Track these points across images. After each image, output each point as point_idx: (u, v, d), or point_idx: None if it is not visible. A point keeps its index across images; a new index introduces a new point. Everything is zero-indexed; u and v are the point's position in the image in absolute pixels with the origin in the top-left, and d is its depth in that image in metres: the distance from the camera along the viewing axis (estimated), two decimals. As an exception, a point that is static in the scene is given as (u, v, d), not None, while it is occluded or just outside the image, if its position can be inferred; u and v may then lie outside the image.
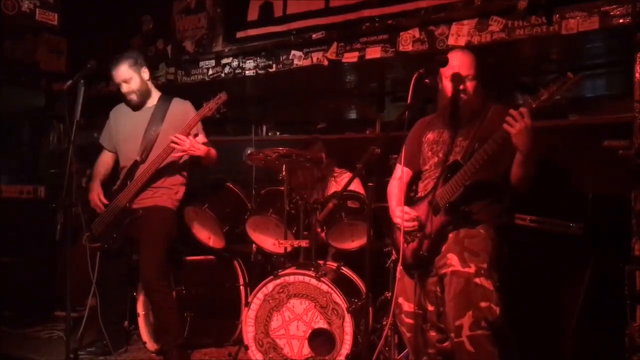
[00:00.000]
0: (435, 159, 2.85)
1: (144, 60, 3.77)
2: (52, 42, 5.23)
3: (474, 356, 2.49)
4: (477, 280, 2.52)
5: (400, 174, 3.01)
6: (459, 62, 2.77)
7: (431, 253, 2.69)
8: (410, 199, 2.94)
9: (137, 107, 3.76)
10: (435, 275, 2.71)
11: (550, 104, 2.36)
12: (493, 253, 2.63)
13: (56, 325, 4.48)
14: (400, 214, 2.76)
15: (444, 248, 2.66)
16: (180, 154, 3.50)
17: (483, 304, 2.50)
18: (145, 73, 3.74)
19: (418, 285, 2.77)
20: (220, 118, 3.48)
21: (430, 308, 2.78)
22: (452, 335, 2.55)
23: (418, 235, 2.74)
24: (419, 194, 2.90)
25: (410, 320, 2.81)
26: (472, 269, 2.53)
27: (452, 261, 2.58)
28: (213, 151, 3.68)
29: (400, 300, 2.85)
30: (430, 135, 2.94)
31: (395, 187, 3.02)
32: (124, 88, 3.69)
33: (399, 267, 2.84)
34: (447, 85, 2.78)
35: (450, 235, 2.67)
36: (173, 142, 3.43)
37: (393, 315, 3.02)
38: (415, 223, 2.76)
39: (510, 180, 2.63)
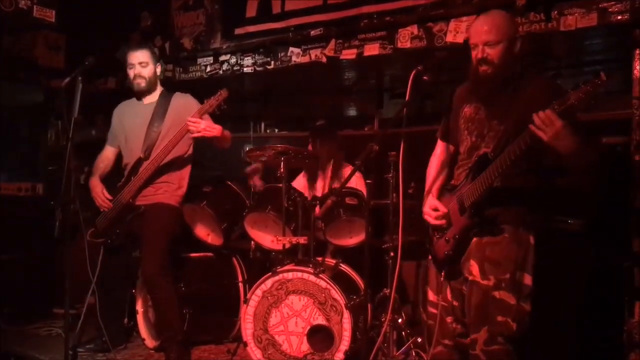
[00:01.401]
0: (469, 142, 2.61)
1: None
2: (50, 38, 5.21)
3: None
4: (495, 293, 2.42)
5: (440, 151, 2.86)
6: (477, 29, 2.48)
7: (456, 252, 2.57)
8: (445, 188, 2.77)
9: (140, 94, 3.78)
10: (461, 274, 2.59)
11: (579, 106, 2.12)
12: (520, 258, 2.45)
13: (55, 322, 4.48)
14: (429, 206, 2.67)
15: (467, 251, 2.54)
16: (196, 135, 3.49)
17: (500, 319, 2.41)
18: (158, 68, 3.82)
19: (444, 281, 2.67)
20: (220, 114, 3.49)
21: (456, 303, 2.65)
22: (469, 345, 2.51)
23: (445, 233, 2.63)
24: (454, 182, 2.71)
25: (434, 310, 2.72)
26: (491, 282, 2.43)
27: (473, 269, 2.48)
28: (227, 132, 3.67)
29: (428, 289, 2.78)
30: (467, 109, 2.65)
31: (433, 167, 2.85)
32: (137, 69, 3.72)
33: (429, 257, 2.79)
34: (473, 55, 2.50)
35: (475, 239, 2.52)
36: (188, 125, 3.44)
37: (392, 312, 3.01)
38: (444, 221, 2.62)
39: (551, 171, 2.46)
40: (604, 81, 2.08)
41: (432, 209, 2.66)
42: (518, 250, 2.45)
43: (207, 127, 3.47)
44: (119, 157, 3.92)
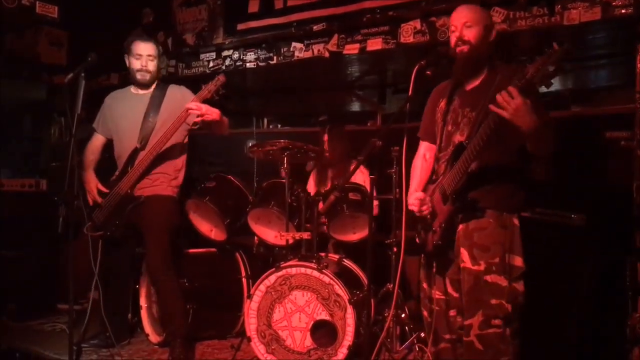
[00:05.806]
0: (445, 131, 2.69)
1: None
2: (52, 35, 5.22)
3: (483, 355, 2.45)
4: (487, 277, 2.47)
5: (423, 151, 2.90)
6: (457, 14, 2.62)
7: (444, 242, 2.62)
8: (428, 183, 2.81)
9: (141, 86, 3.77)
10: (452, 264, 2.64)
11: (538, 79, 2.21)
12: (507, 241, 2.51)
13: (59, 318, 4.50)
14: (413, 201, 2.69)
15: (456, 240, 2.59)
16: (198, 119, 3.50)
17: (494, 302, 2.45)
18: (162, 63, 3.92)
19: (438, 273, 2.71)
20: (219, 101, 3.51)
21: (455, 295, 2.67)
22: (462, 334, 2.53)
23: (433, 224, 2.67)
24: (435, 177, 2.76)
25: (432, 305, 2.75)
26: (481, 267, 2.48)
27: (464, 257, 2.53)
28: (225, 118, 3.69)
29: (425, 285, 2.80)
30: (442, 103, 2.75)
31: (417, 167, 2.90)
32: (144, 61, 3.71)
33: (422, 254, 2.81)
34: (452, 38, 2.62)
35: (461, 226, 2.58)
36: (189, 111, 3.46)
37: (395, 307, 3.02)
38: (428, 209, 2.66)
39: (527, 151, 2.46)
40: (556, 51, 2.21)
41: (415, 198, 2.71)
42: (505, 234, 2.53)
43: (208, 111, 3.48)
44: (105, 147, 3.92)
